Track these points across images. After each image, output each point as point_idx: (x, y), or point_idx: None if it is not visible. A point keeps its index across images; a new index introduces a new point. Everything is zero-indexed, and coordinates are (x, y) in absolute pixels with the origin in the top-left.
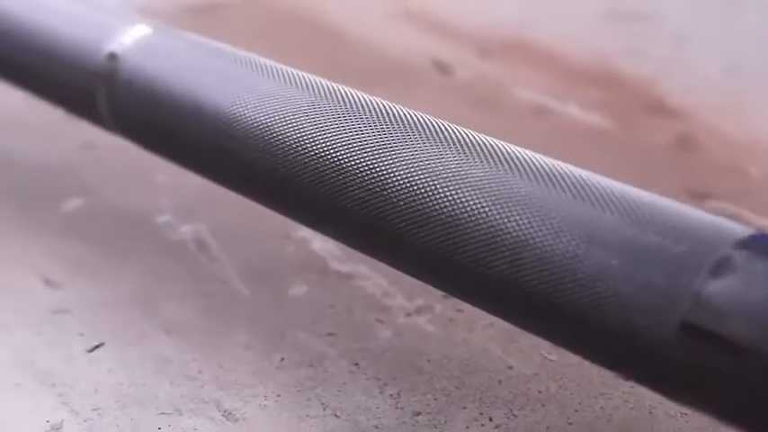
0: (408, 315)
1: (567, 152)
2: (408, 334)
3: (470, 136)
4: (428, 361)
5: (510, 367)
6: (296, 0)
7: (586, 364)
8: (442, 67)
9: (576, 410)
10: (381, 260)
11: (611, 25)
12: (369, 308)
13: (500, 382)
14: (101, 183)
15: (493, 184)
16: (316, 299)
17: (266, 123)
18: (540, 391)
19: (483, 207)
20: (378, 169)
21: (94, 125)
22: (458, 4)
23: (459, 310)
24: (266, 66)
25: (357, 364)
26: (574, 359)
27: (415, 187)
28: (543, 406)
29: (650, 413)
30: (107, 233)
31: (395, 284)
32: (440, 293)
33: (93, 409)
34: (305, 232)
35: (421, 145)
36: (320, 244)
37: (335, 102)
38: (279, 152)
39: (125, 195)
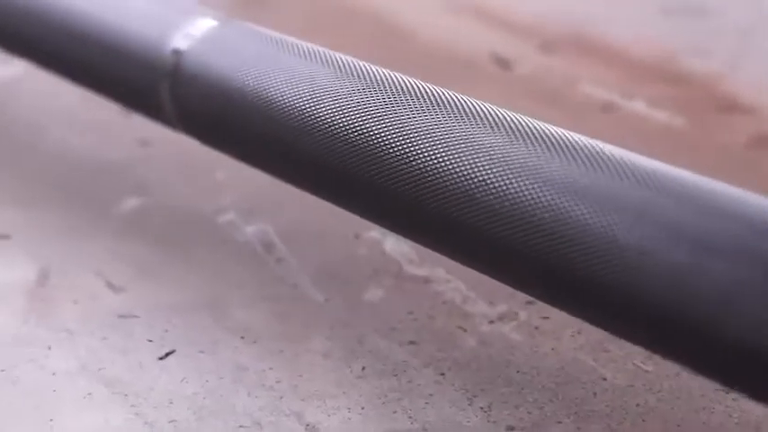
0: (491, 322)
1: (638, 150)
2: (493, 343)
3: (545, 129)
4: (517, 372)
5: (604, 378)
6: None
7: (684, 374)
8: (503, 62)
9: (679, 425)
10: (455, 259)
11: (673, 20)
12: (450, 314)
13: (595, 394)
14: (158, 181)
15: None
16: (393, 304)
17: (341, 120)
18: (638, 405)
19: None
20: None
21: (156, 121)
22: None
23: (544, 318)
24: (339, 60)
25: (443, 374)
26: (671, 370)
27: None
28: (643, 421)
29: (757, 429)
30: (168, 234)
31: (474, 289)
32: (522, 299)
33: (169, 422)
34: (375, 232)
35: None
36: (393, 245)
37: (414, 98)
38: (356, 150)
39: (184, 194)
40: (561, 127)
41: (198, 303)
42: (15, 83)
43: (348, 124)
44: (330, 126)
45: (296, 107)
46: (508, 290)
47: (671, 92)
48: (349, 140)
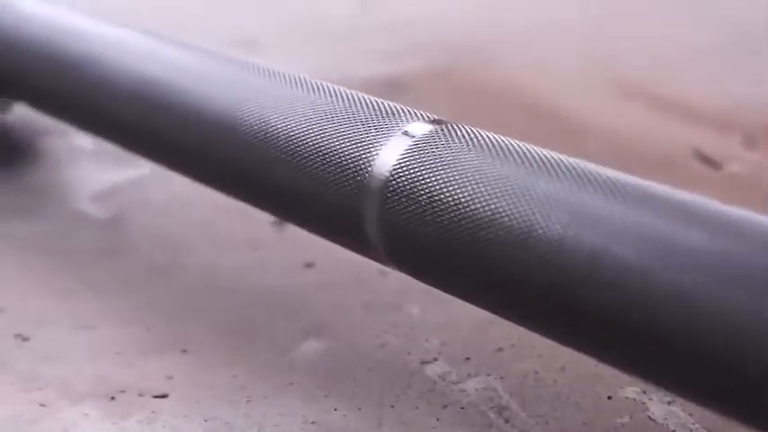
0: None
1: None
2: None
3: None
4: None
5: None
6: (485, 73)
7: None
8: (708, 159)
9: None
10: None
11: None
12: None
13: None
14: (336, 315)
15: None
16: None
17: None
18: None
19: None
20: None
21: (361, 254)
22: (690, 79)
23: None
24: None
25: None
26: None
27: None
28: None
29: None
30: (370, 391)
31: None
32: None
33: None
34: (633, 391)
35: None
36: (661, 410)
37: None
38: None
39: (372, 334)
40: None
41: None
42: (141, 189)
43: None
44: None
45: (541, 235)
46: None
47: None
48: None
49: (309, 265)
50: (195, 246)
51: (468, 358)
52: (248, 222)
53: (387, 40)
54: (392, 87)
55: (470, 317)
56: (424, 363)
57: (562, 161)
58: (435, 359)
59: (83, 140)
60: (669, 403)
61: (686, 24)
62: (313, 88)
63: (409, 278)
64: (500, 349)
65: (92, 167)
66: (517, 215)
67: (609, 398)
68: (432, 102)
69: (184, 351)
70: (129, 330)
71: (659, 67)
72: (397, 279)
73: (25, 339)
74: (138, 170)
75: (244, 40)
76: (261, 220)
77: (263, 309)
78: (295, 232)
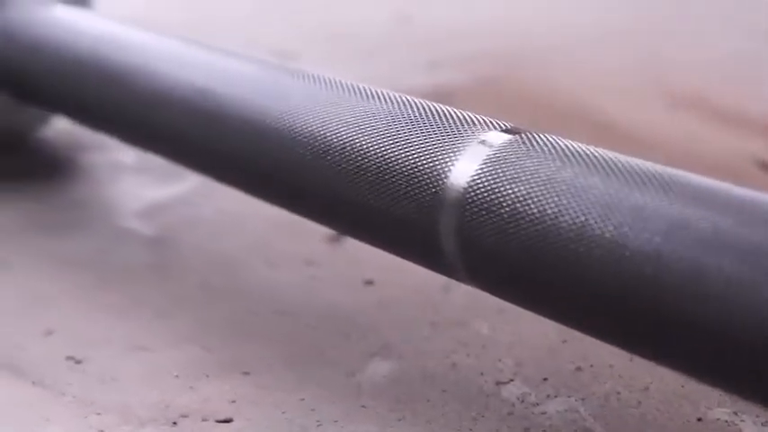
0: None
1: None
2: None
3: None
4: None
5: None
6: (535, 84)
7: None
8: (765, 165)
9: None
10: None
11: None
12: None
13: None
14: (402, 336)
15: None
16: None
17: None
18: None
19: None
20: None
21: (434, 269)
22: (744, 89)
23: None
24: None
25: None
26: None
27: None
28: None
29: None
30: (446, 414)
31: None
32: None
33: None
34: (723, 411)
35: None
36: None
37: None
38: None
39: (441, 353)
40: None
41: None
42: (187, 205)
43: None
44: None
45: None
46: None
47: None
48: None
49: (369, 282)
50: (248, 263)
51: (545, 378)
52: (301, 238)
53: (428, 51)
54: (439, 98)
55: (542, 335)
56: (499, 383)
57: (649, 169)
58: (511, 380)
59: (123, 154)
60: (763, 424)
61: (736, 37)
62: (378, 97)
63: (474, 294)
64: (578, 369)
65: (135, 182)
66: (610, 228)
67: (699, 419)
68: (482, 113)
69: (246, 373)
70: (186, 351)
71: (713, 78)
72: (461, 295)
73: (78, 362)
74: (182, 185)
75: (284, 52)
76: (314, 234)
77: (325, 328)
78: (350, 247)
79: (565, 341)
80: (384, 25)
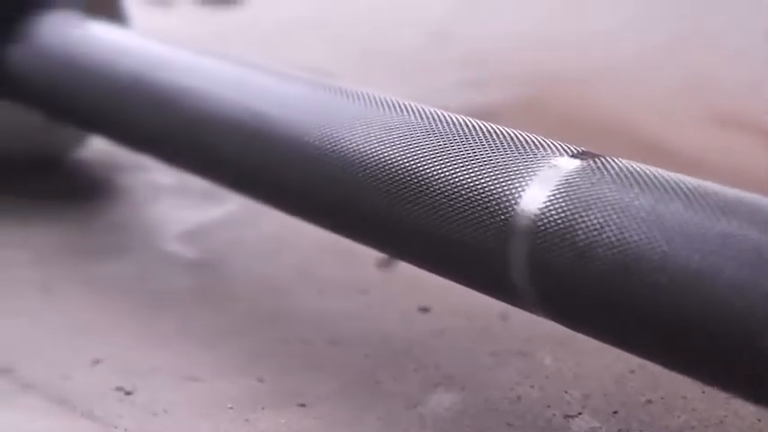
0: None
1: None
2: None
3: None
4: None
5: None
6: (580, 104)
7: None
8: None
9: None
10: None
11: None
12: None
13: None
14: (463, 366)
15: None
16: None
17: None
18: None
19: None
20: None
21: (501, 298)
22: None
23: None
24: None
25: None
26: None
27: None
28: None
29: None
30: None
31: None
32: None
33: None
34: None
35: None
36: None
37: None
38: None
39: (505, 385)
40: None
41: None
42: (230, 228)
43: None
44: None
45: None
46: None
47: None
48: None
49: (424, 310)
50: (298, 289)
51: (615, 412)
52: (352, 263)
53: (469, 69)
54: (485, 118)
55: (607, 365)
56: (567, 417)
57: (731, 195)
58: (579, 413)
59: (163, 176)
60: None
61: None
62: (439, 119)
63: (533, 323)
64: (649, 401)
65: (175, 204)
66: (696, 258)
67: None
68: (531, 133)
69: (302, 405)
70: (239, 382)
71: (756, 96)
72: (520, 324)
73: (128, 393)
74: (223, 207)
75: (319, 72)
76: (364, 259)
77: (381, 358)
78: (403, 273)
79: (632, 371)
80: (423, 43)
